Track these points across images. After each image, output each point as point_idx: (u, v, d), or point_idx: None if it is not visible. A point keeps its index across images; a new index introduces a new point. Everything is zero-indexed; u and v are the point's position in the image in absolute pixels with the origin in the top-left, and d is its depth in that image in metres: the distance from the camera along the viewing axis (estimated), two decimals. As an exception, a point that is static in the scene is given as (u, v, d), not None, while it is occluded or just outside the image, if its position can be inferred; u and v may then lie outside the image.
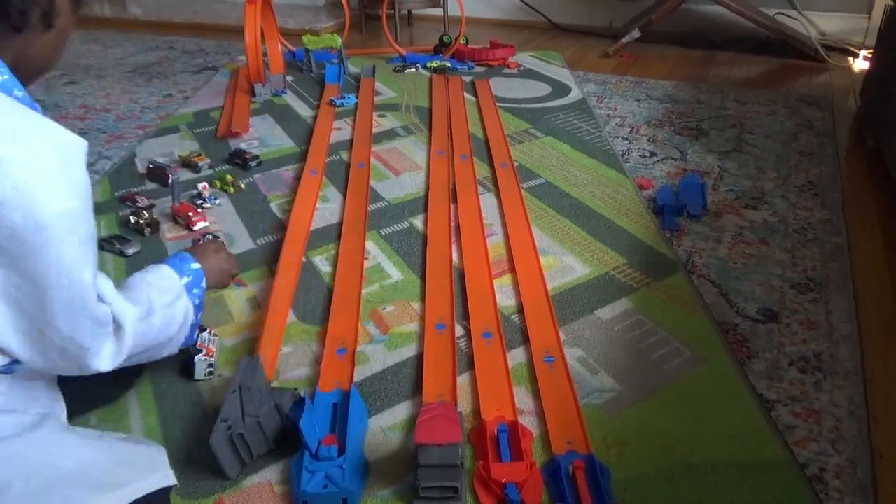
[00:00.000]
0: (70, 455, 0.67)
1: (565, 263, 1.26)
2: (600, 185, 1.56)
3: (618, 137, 1.84)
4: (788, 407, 0.94)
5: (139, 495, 0.66)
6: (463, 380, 0.98)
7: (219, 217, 1.45)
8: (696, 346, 1.04)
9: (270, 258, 1.29)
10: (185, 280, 0.91)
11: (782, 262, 1.26)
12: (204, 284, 0.94)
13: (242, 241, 1.36)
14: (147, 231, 1.36)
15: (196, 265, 0.93)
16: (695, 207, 1.43)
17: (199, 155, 1.71)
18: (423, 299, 1.16)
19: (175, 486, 0.72)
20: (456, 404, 0.91)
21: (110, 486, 0.65)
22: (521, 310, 1.13)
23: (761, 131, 1.87)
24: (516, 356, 1.03)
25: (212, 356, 0.97)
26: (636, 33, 2.61)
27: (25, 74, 0.68)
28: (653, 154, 1.74)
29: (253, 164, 1.68)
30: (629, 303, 1.15)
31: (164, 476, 0.70)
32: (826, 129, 1.88)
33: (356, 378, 0.98)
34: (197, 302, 0.92)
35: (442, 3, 3.04)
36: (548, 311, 1.11)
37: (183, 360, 0.98)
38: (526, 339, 1.06)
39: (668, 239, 1.34)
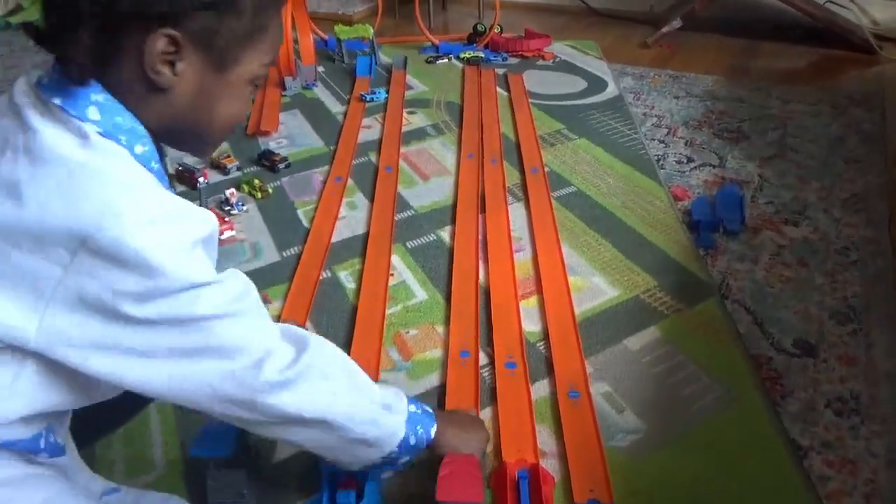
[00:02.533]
0: None
1: (594, 285, 1.23)
2: (633, 194, 1.51)
3: (654, 140, 1.79)
4: (822, 455, 0.90)
5: None
6: (485, 415, 0.96)
7: (245, 225, 1.44)
8: (727, 383, 1.00)
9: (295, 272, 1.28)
10: (412, 407, 0.79)
11: (821, 288, 1.21)
12: (432, 433, 0.80)
13: (269, 253, 1.35)
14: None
15: (430, 409, 0.82)
16: (732, 223, 1.38)
17: (228, 156, 1.70)
18: (447, 323, 1.14)
19: None
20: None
21: None
22: (546, 336, 1.10)
23: (805, 135, 1.79)
24: (540, 389, 1.01)
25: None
26: (677, 23, 2.51)
27: (170, 139, 0.66)
28: (690, 160, 1.68)
29: (281, 166, 1.67)
30: (659, 331, 1.11)
31: None
32: (875, 133, 1.80)
33: (377, 409, 0.97)
34: (412, 441, 0.77)
35: (477, -13, 2.97)
36: (574, 339, 1.09)
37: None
38: (551, 370, 1.04)
39: (702, 258, 1.29)
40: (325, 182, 1.60)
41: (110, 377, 0.59)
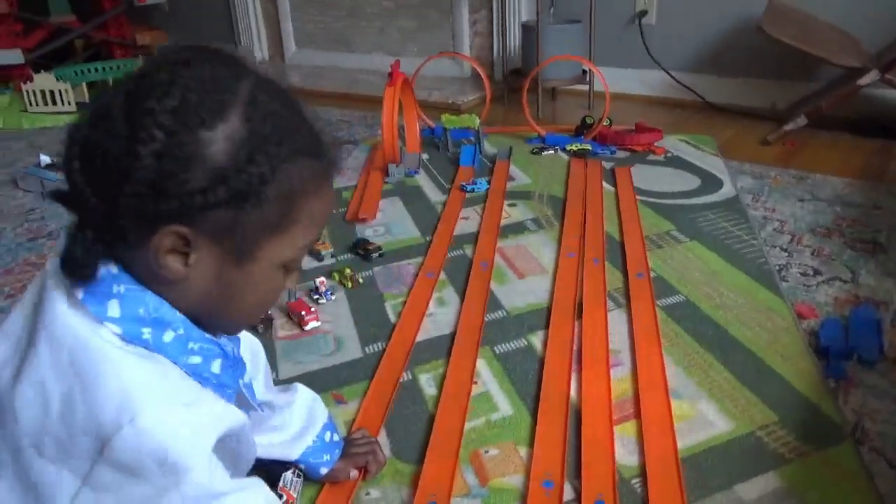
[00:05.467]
0: None
1: (702, 413, 1.09)
2: (751, 309, 1.37)
3: (775, 247, 1.63)
4: None
5: None
6: (567, 564, 0.84)
7: (332, 316, 1.41)
8: (864, 556, 0.84)
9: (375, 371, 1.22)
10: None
11: (984, 441, 1.02)
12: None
13: (352, 348, 1.30)
14: (261, 327, 1.35)
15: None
16: (868, 351, 1.21)
17: (324, 242, 1.70)
18: (531, 444, 1.03)
19: None
20: None
21: None
22: (643, 473, 0.97)
23: (955, 250, 1.58)
24: (633, 538, 0.88)
25: (291, 503, 0.89)
26: (801, 120, 2.36)
27: (199, 325, 0.62)
28: (817, 272, 1.52)
29: (375, 255, 1.65)
30: (779, 480, 0.96)
31: None
32: None
33: (446, 542, 0.87)
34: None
35: (588, 79, 2.95)
36: (676, 480, 0.95)
37: None
38: (647, 516, 0.90)
39: (832, 391, 1.13)
40: (416, 275, 1.55)
41: None
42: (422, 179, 2.17)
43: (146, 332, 0.57)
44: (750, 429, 1.05)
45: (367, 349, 1.30)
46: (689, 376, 1.18)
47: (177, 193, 0.53)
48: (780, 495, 0.93)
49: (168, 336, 0.58)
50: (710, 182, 2.05)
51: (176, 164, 0.53)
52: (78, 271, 0.55)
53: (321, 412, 0.96)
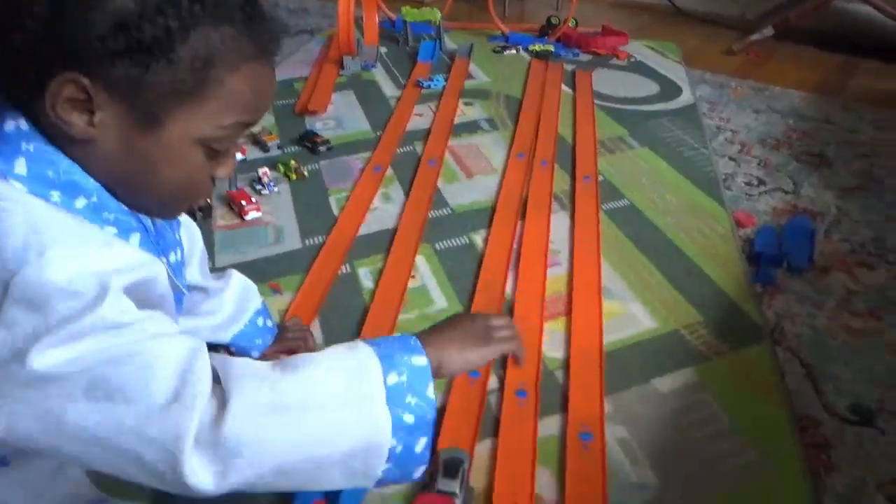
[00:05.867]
0: None
1: (631, 312, 1.12)
2: (692, 215, 1.38)
3: (724, 157, 1.64)
4: (865, 547, 0.78)
5: None
6: (483, 448, 0.88)
7: (274, 207, 1.39)
8: (763, 446, 0.88)
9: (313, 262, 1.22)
10: (392, 379, 0.57)
11: (893, 346, 1.07)
12: (431, 391, 0.59)
13: (291, 239, 1.29)
14: (199, 216, 1.32)
15: (422, 359, 0.60)
16: (798, 259, 1.24)
17: (270, 133, 1.65)
18: (462, 337, 1.05)
19: None
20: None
21: None
22: (567, 366, 1.01)
23: (897, 166, 1.61)
24: (550, 425, 0.91)
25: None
26: (768, 31, 2.33)
27: (126, 200, 0.58)
28: (761, 182, 1.53)
29: (322, 149, 1.61)
30: (695, 375, 1.00)
31: None
32: (980, 172, 1.60)
33: (369, 425, 0.90)
34: (410, 421, 0.57)
35: (557, -23, 2.84)
36: (597, 373, 0.98)
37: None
38: (565, 406, 0.94)
39: (758, 295, 1.16)
40: (363, 170, 1.53)
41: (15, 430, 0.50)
42: (378, 73, 2.11)
43: (55, 196, 0.53)
44: (674, 327, 1.09)
45: (307, 241, 1.29)
46: (622, 278, 1.20)
47: (74, 36, 0.49)
48: (693, 388, 0.97)
49: (80, 203, 0.54)
50: (670, 89, 2.03)
51: (75, 4, 0.49)
52: None
53: (254, 298, 0.96)
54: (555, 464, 0.86)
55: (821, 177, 1.56)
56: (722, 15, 2.73)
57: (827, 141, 1.73)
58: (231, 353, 0.96)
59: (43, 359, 0.47)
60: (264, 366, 0.56)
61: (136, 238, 0.60)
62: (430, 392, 0.58)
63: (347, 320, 1.09)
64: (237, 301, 0.93)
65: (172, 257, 0.71)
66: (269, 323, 0.98)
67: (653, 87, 2.04)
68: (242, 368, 0.55)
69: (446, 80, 2.02)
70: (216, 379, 0.53)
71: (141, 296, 0.54)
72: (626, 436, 0.90)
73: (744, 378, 0.99)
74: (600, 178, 1.52)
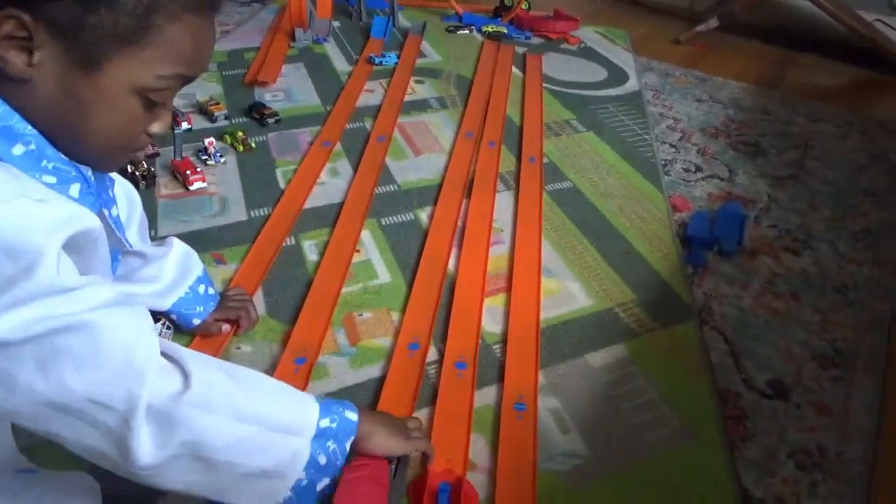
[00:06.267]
0: None
1: (568, 290, 1.16)
2: (631, 199, 1.43)
3: (665, 143, 1.70)
4: (773, 510, 0.83)
5: None
6: (421, 414, 0.90)
7: (220, 178, 1.38)
8: (686, 417, 0.94)
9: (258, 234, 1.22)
10: (324, 423, 0.66)
11: (810, 326, 1.13)
12: (348, 445, 0.68)
13: (237, 210, 1.29)
14: (142, 185, 1.31)
15: (354, 416, 0.69)
16: (728, 243, 1.30)
17: (218, 104, 1.63)
18: (404, 310, 1.08)
19: None
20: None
21: None
22: (505, 340, 1.04)
23: (827, 158, 1.69)
24: (486, 396, 0.94)
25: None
26: (714, 22, 2.39)
27: (63, 148, 0.58)
28: (698, 169, 1.59)
29: (270, 121, 1.60)
30: (626, 350, 1.04)
31: None
32: (901, 166, 1.70)
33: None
34: (322, 462, 0.65)
35: (513, -41, 2.85)
36: (533, 346, 1.02)
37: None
38: (502, 377, 0.97)
39: (688, 276, 1.22)
40: (311, 143, 1.53)
41: None
42: (330, 47, 2.10)
43: None
44: (608, 305, 1.13)
45: (252, 213, 1.29)
46: (562, 257, 1.24)
47: None
48: (625, 363, 1.02)
49: (18, 150, 0.54)
50: (617, 76, 2.07)
51: None
52: None
53: (195, 265, 0.96)
54: (489, 432, 0.89)
55: (755, 165, 1.63)
56: (672, 5, 2.79)
57: (763, 132, 1.80)
58: (171, 322, 0.96)
59: None
60: (220, 361, 0.61)
61: (76, 188, 0.60)
62: (348, 445, 0.68)
63: (290, 292, 1.10)
64: (178, 268, 0.93)
65: (114, 211, 0.71)
66: (211, 290, 0.98)
67: (601, 73, 2.08)
68: (201, 356, 0.59)
69: (398, 57, 2.02)
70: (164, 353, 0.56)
71: (78, 250, 0.54)
72: (558, 406, 0.94)
73: (671, 354, 1.04)
74: (545, 160, 1.55)
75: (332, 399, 0.70)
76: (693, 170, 1.59)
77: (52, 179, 0.57)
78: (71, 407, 0.51)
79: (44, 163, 0.56)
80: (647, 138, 1.69)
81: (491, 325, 1.07)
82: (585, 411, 0.94)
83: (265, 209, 1.29)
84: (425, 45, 2.16)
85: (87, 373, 0.51)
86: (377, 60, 1.98)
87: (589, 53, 2.23)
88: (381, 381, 0.95)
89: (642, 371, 1.01)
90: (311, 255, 1.19)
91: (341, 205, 1.32)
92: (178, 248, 0.94)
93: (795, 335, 1.11)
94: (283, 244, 1.20)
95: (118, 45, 0.54)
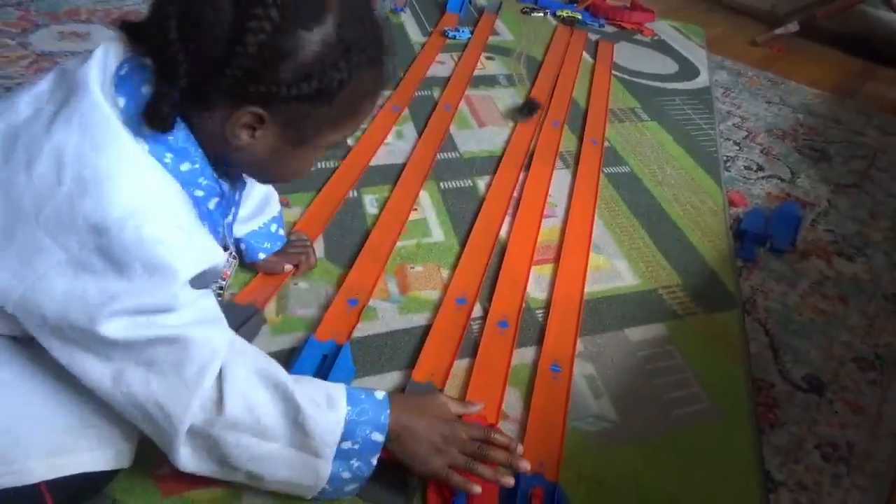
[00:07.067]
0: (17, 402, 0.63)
1: (615, 268, 1.18)
2: (688, 189, 1.44)
3: (729, 140, 1.69)
4: (794, 494, 0.85)
5: (78, 470, 0.63)
6: (461, 364, 0.95)
7: (291, 129, 1.44)
8: (718, 398, 0.96)
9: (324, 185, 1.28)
10: (346, 445, 0.68)
11: (854, 329, 1.13)
12: (375, 460, 0.70)
13: (304, 161, 1.35)
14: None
15: (379, 437, 0.70)
16: (781, 241, 1.30)
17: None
18: (454, 268, 1.12)
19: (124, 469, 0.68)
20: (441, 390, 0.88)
21: (48, 452, 0.62)
22: (548, 306, 1.07)
23: (893, 171, 1.66)
24: (524, 355, 0.98)
25: (224, 279, 0.97)
26: (793, 26, 2.35)
27: (225, 171, 0.69)
28: (760, 168, 1.58)
29: (344, 81, 1.65)
30: (665, 329, 1.06)
31: (115, 454, 0.66)
32: (972, 187, 1.65)
33: (359, 334, 0.97)
34: (346, 476, 0.70)
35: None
36: (574, 315, 1.05)
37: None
38: (541, 339, 1.01)
39: (737, 269, 1.23)
40: (381, 106, 1.58)
41: (61, 359, 0.61)
42: (406, 18, 2.14)
43: (168, 157, 0.62)
44: (653, 286, 1.15)
45: (320, 164, 1.34)
46: (613, 236, 1.26)
47: (268, 82, 0.58)
48: (663, 341, 1.04)
49: (185, 166, 0.63)
50: (688, 70, 2.06)
51: (274, 57, 0.58)
52: (160, 124, 0.59)
53: (274, 204, 1.03)
54: (524, 387, 0.93)
55: (818, 170, 1.61)
56: (753, 6, 2.74)
57: (831, 139, 1.77)
58: (239, 249, 1.02)
59: (110, 326, 0.58)
60: (260, 365, 0.68)
61: (213, 202, 0.69)
62: (374, 460, 0.70)
63: (349, 241, 1.15)
64: (259, 202, 1.00)
65: (230, 218, 0.81)
66: (281, 231, 1.04)
67: (671, 66, 2.07)
68: (245, 360, 0.67)
69: (472, 32, 2.05)
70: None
71: (201, 275, 0.64)
72: (593, 373, 0.97)
73: (711, 338, 1.06)
74: (606, 143, 1.57)
75: (366, 409, 0.69)
76: (754, 168, 1.58)
77: (200, 193, 0.66)
78: (139, 401, 0.61)
79: (200, 179, 0.65)
80: (712, 133, 1.69)
81: (536, 291, 1.11)
82: (619, 380, 0.96)
83: (332, 162, 1.35)
84: (499, 24, 2.19)
85: (168, 378, 0.61)
86: (451, 34, 2.01)
87: (662, 46, 2.22)
88: (426, 329, 0.99)
89: (679, 350, 1.03)
90: (372, 209, 1.24)
91: (403, 165, 1.37)
92: (262, 186, 1.00)
93: (839, 336, 1.11)
94: (346, 196, 1.25)
95: (328, 126, 0.65)
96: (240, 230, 0.98)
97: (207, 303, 0.65)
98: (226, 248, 1.00)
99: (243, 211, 0.96)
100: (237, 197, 0.80)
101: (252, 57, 0.56)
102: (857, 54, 2.43)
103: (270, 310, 0.99)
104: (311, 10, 0.58)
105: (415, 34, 2.03)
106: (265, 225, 1.01)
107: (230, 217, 0.80)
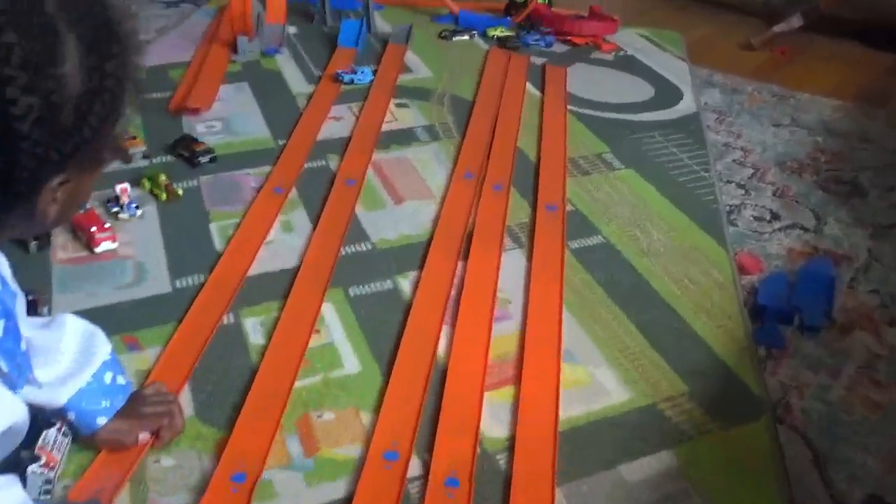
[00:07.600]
0: None
1: (597, 380, 1.22)
2: (683, 257, 1.51)
3: (731, 183, 1.79)
4: None
5: None
6: (399, 550, 0.96)
7: (135, 236, 1.47)
8: (753, 548, 0.99)
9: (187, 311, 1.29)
10: None
11: (923, 425, 1.19)
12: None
13: (157, 280, 1.37)
14: (33, 246, 1.38)
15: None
16: (813, 315, 1.36)
17: (134, 137, 1.73)
18: (377, 409, 1.14)
19: None
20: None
21: None
22: (511, 448, 1.10)
23: (947, 200, 1.77)
24: (486, 522, 1.00)
25: (52, 467, 0.97)
26: (797, 21, 2.52)
27: None
28: (775, 217, 1.67)
29: (203, 159, 1.70)
30: (674, 460, 1.10)
31: None
32: None
33: (250, 523, 0.97)
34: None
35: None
36: (549, 455, 1.08)
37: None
38: (506, 497, 1.03)
39: (760, 360, 1.28)
40: (259, 190, 1.62)
41: None
42: (283, 61, 2.22)
43: None
44: (651, 400, 1.19)
45: (178, 283, 1.36)
46: (590, 336, 1.31)
47: (64, 140, 0.67)
48: (669, 477, 1.07)
49: None
50: (667, 93, 2.18)
51: (54, 113, 0.65)
52: None
53: (101, 347, 1.03)
54: (489, 570, 0.94)
55: (850, 210, 1.71)
56: (742, 0, 2.92)
57: (863, 165, 1.89)
58: (67, 427, 1.02)
59: None
60: None
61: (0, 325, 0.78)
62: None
63: (227, 386, 1.16)
64: (78, 349, 1.00)
65: (23, 344, 0.85)
66: (121, 380, 1.05)
67: (645, 90, 2.19)
68: None
69: (375, 72, 2.14)
70: None
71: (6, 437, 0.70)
72: (581, 535, 0.99)
73: (735, 464, 1.10)
74: (569, 207, 1.64)
75: None
76: (768, 218, 1.67)
77: None
78: None
79: None
80: (707, 176, 1.78)
81: (493, 427, 1.13)
82: (618, 541, 0.99)
83: (196, 277, 1.37)
84: (411, 57, 2.29)
85: None
86: (347, 77, 2.09)
87: (630, 64, 2.35)
88: (346, 502, 1.00)
89: (696, 488, 1.06)
90: (256, 337, 1.26)
91: (296, 270, 1.40)
92: (75, 325, 1.01)
93: (902, 437, 1.17)
94: (220, 324, 1.27)
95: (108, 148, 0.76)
96: (61, 395, 0.98)
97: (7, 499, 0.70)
98: (51, 423, 1.01)
99: (57, 368, 0.97)
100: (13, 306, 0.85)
101: (37, 135, 0.64)
102: (885, 47, 2.60)
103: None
104: (44, 44, 0.65)
105: (297, 83, 2.11)
106: (95, 377, 1.01)
107: (23, 344, 0.85)
